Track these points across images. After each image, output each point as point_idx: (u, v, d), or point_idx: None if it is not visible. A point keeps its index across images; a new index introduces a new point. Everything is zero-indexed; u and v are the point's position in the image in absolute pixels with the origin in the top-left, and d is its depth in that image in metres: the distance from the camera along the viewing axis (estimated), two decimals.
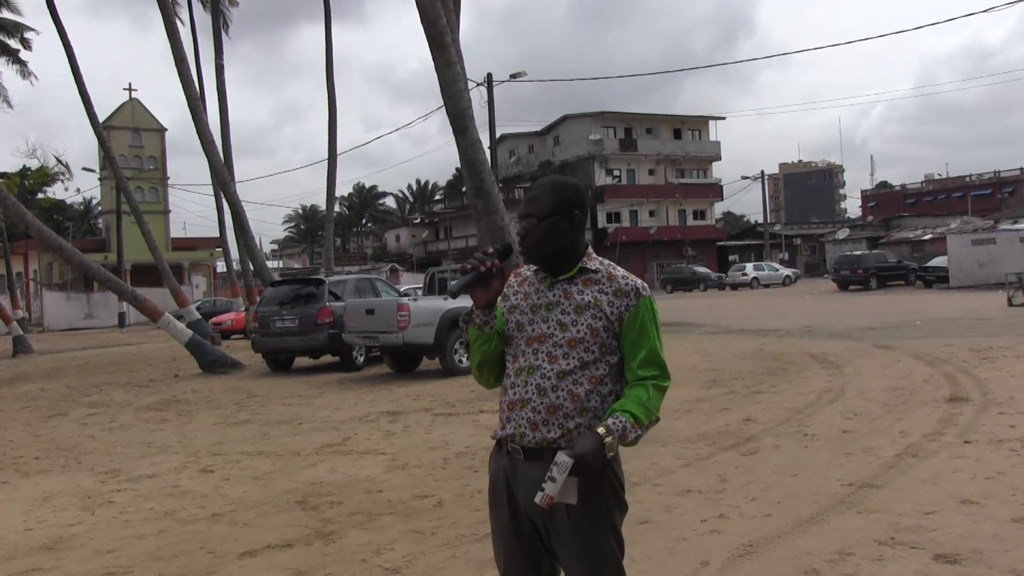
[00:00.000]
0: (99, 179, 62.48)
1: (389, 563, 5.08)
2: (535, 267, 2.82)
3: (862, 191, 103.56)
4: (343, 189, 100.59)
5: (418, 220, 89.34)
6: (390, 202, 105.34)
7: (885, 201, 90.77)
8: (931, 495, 5.85)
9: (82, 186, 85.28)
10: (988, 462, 6.68)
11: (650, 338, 2.68)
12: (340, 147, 33.65)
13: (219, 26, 34.13)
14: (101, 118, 32.13)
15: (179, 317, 22.68)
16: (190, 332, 19.46)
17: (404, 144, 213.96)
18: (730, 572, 4.65)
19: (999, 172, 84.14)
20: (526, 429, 2.66)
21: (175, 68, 21.88)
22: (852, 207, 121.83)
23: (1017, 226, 42.28)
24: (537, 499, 2.46)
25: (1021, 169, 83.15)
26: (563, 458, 2.44)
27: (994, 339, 15.79)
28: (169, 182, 67.35)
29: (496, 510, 2.78)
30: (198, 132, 22.40)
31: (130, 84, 79.91)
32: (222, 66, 32.96)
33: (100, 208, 76.87)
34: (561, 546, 2.66)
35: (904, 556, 4.71)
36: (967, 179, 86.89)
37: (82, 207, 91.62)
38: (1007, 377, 11.07)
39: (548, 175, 2.96)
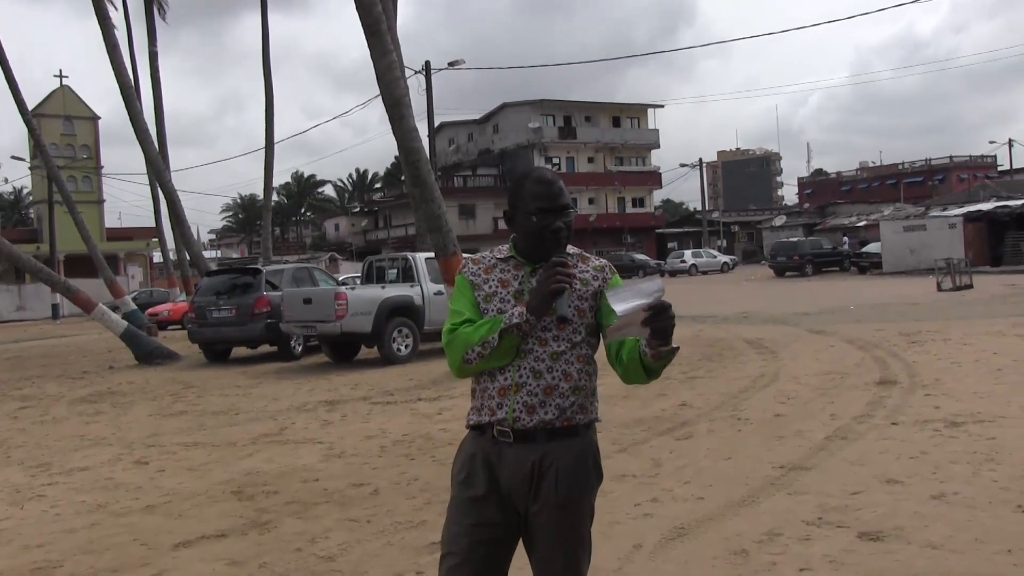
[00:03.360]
0: (29, 168, 60.82)
1: (324, 551, 5.07)
2: (500, 254, 2.82)
3: (799, 179, 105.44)
4: (282, 178, 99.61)
5: (357, 209, 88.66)
6: (329, 191, 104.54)
7: (821, 188, 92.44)
8: (858, 476, 6.01)
9: (11, 175, 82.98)
10: (913, 443, 6.89)
11: None
12: (280, 136, 33.19)
13: (153, 12, 33.43)
14: (31, 105, 31.31)
15: (114, 308, 22.27)
16: (125, 323, 19.14)
17: (345, 133, 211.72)
18: (662, 555, 4.73)
19: (930, 160, 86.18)
20: (521, 413, 2.66)
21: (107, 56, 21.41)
22: (789, 194, 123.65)
23: (946, 213, 43.31)
24: (619, 310, 2.47)
25: (951, 157, 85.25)
26: (656, 282, 2.50)
27: (923, 323, 16.22)
28: (103, 171, 66.01)
29: (468, 488, 2.71)
30: (132, 121, 21.93)
31: (60, 71, 77.93)
32: (156, 53, 32.30)
33: (31, 198, 74.96)
34: (539, 527, 2.68)
35: (830, 535, 4.84)
36: (900, 167, 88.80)
37: (12, 197, 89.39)
38: (934, 360, 11.38)
39: (522, 166, 2.87)
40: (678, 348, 2.57)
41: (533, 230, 2.71)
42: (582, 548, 2.74)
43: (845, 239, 49.91)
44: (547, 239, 2.70)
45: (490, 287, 2.75)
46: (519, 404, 2.66)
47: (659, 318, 2.49)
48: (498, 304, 2.71)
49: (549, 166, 68.96)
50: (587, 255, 2.86)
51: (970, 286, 26.23)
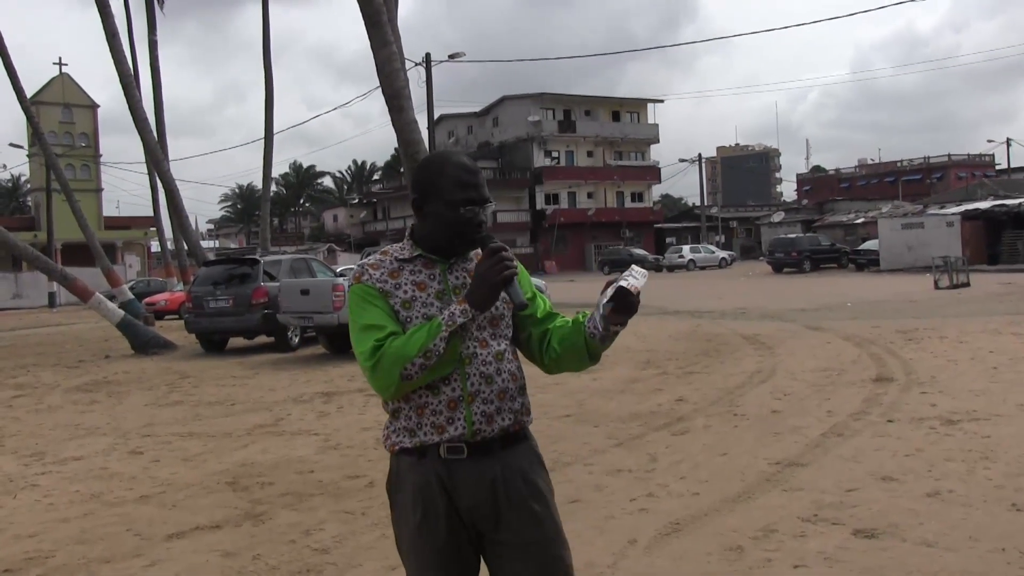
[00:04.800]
0: (27, 156, 60.59)
1: (318, 543, 5.07)
2: (401, 254, 2.52)
3: (797, 175, 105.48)
4: (281, 168, 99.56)
5: (356, 200, 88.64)
6: (328, 182, 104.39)
7: (819, 185, 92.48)
8: (853, 472, 6.00)
9: (9, 162, 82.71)
10: (908, 440, 6.89)
11: (539, 290, 2.64)
12: (280, 126, 33.05)
13: (152, 1, 33.29)
14: (29, 93, 31.21)
15: (111, 297, 22.23)
16: (122, 312, 19.09)
17: (346, 124, 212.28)
18: (656, 550, 4.72)
19: (928, 158, 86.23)
20: (482, 424, 2.41)
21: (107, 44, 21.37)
22: (787, 191, 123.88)
23: (944, 211, 43.34)
24: (624, 282, 2.32)
25: (949, 155, 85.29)
26: (639, 268, 2.39)
27: (920, 321, 16.23)
28: (101, 160, 65.83)
29: (427, 530, 2.44)
30: (131, 109, 21.87)
31: (60, 58, 77.34)
32: (155, 42, 32.15)
33: (29, 186, 74.80)
34: (521, 546, 2.45)
35: (825, 532, 4.83)
36: (899, 164, 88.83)
37: (9, 184, 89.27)
38: (930, 358, 11.39)
39: (456, 153, 2.62)
40: (624, 327, 2.43)
41: (454, 222, 2.45)
42: (567, 549, 2.55)
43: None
44: (468, 232, 2.46)
45: (405, 292, 2.45)
46: (477, 414, 2.42)
47: (631, 293, 2.35)
48: (421, 309, 2.43)
49: (549, 160, 69.25)
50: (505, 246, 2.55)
51: (967, 284, 26.24)
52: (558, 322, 2.57)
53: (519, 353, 2.62)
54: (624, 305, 2.36)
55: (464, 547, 2.47)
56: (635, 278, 2.35)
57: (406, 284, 2.47)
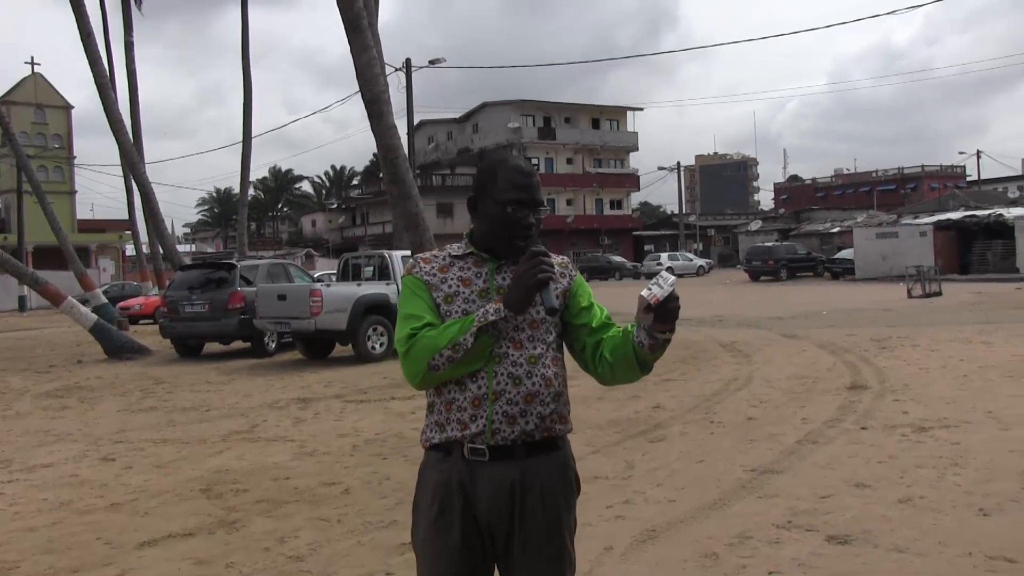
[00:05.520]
0: None
1: (293, 551, 5.03)
2: (455, 251, 2.58)
3: (775, 184, 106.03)
4: (260, 173, 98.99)
5: (335, 205, 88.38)
6: (307, 187, 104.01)
7: (796, 194, 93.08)
8: (828, 479, 6.04)
9: None
10: (881, 447, 6.94)
11: (597, 302, 2.64)
12: (261, 130, 32.88)
13: (129, 1, 33.08)
14: (0, 92, 30.90)
15: (84, 301, 22.03)
16: (95, 317, 18.90)
17: (326, 128, 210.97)
18: (633, 557, 4.73)
19: (903, 169, 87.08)
20: (501, 424, 2.41)
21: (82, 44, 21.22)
22: (765, 199, 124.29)
23: (917, 221, 43.73)
24: (645, 294, 2.33)
25: (922, 166, 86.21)
26: (667, 274, 2.38)
27: (893, 329, 16.38)
28: (76, 161, 65.25)
29: (442, 527, 2.45)
30: (106, 111, 21.73)
31: (32, 58, 76.56)
32: (132, 43, 31.96)
33: None
34: (524, 554, 2.45)
35: (799, 539, 4.86)
36: (874, 175, 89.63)
37: None
38: (903, 365, 11.49)
39: (499, 155, 2.63)
40: (672, 333, 2.43)
41: (504, 222, 2.49)
42: (571, 568, 2.54)
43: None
44: (516, 234, 2.49)
45: (450, 287, 2.50)
46: (498, 414, 2.40)
47: (667, 299, 2.34)
48: (462, 305, 2.47)
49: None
50: (547, 251, 2.55)
51: (939, 293, 26.50)
52: (611, 332, 2.55)
53: (567, 362, 2.60)
54: (664, 313, 2.35)
55: (476, 552, 2.46)
56: (659, 287, 2.35)
57: (452, 279, 2.52)
